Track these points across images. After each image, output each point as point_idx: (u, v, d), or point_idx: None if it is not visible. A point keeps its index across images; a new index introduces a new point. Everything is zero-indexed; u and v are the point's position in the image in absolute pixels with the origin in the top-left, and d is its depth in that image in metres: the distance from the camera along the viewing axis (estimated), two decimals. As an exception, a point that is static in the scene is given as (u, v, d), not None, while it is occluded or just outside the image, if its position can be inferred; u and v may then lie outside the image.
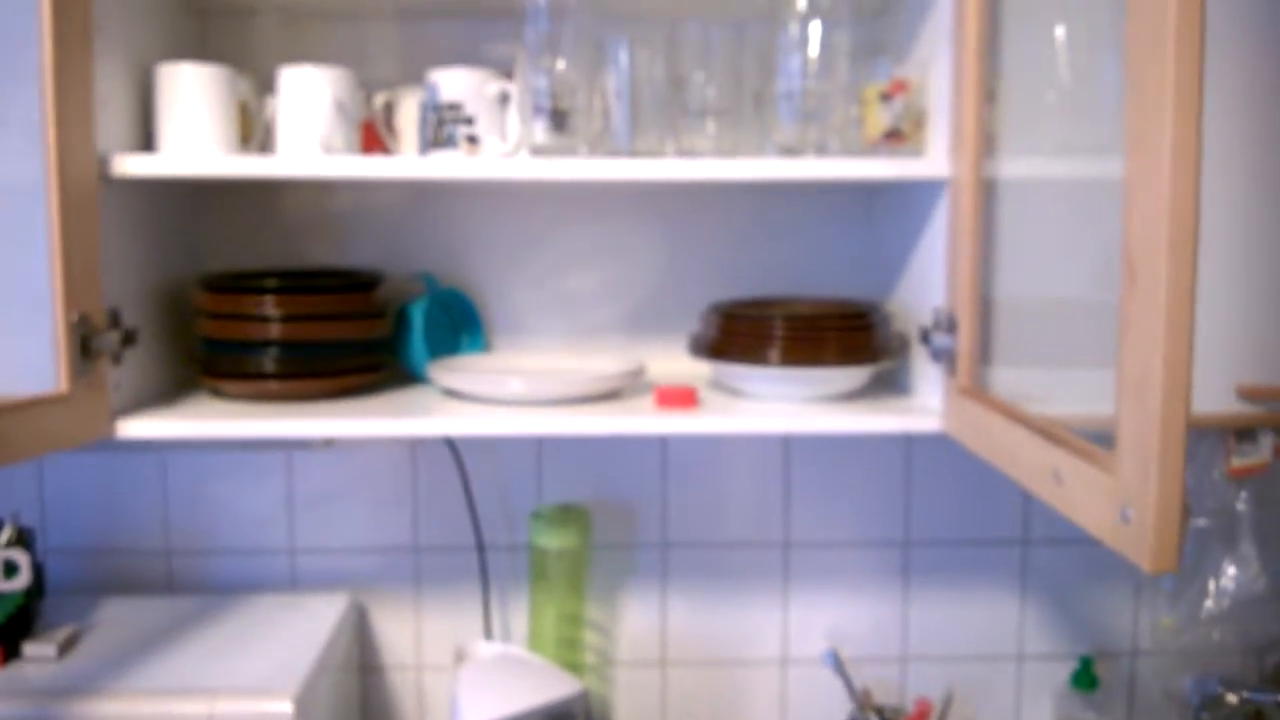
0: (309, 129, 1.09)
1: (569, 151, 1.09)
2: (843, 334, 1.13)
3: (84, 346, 0.97)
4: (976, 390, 1.02)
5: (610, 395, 1.16)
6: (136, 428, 1.03)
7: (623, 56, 1.12)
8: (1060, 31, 0.96)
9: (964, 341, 1.03)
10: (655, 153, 1.14)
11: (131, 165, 1.02)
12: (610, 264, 1.35)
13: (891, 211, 1.29)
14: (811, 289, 1.35)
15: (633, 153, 1.13)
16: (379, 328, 1.17)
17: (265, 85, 1.15)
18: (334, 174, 1.05)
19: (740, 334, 1.14)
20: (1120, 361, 0.72)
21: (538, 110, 1.08)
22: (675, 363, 1.31)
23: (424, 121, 1.14)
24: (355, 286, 1.15)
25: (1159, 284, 0.67)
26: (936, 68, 1.10)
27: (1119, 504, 0.71)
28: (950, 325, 1.05)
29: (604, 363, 1.23)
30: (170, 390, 1.19)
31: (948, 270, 1.07)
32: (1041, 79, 0.98)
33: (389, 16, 1.30)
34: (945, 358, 1.06)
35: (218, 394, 1.15)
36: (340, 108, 1.09)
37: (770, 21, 1.10)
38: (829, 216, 1.36)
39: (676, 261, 1.36)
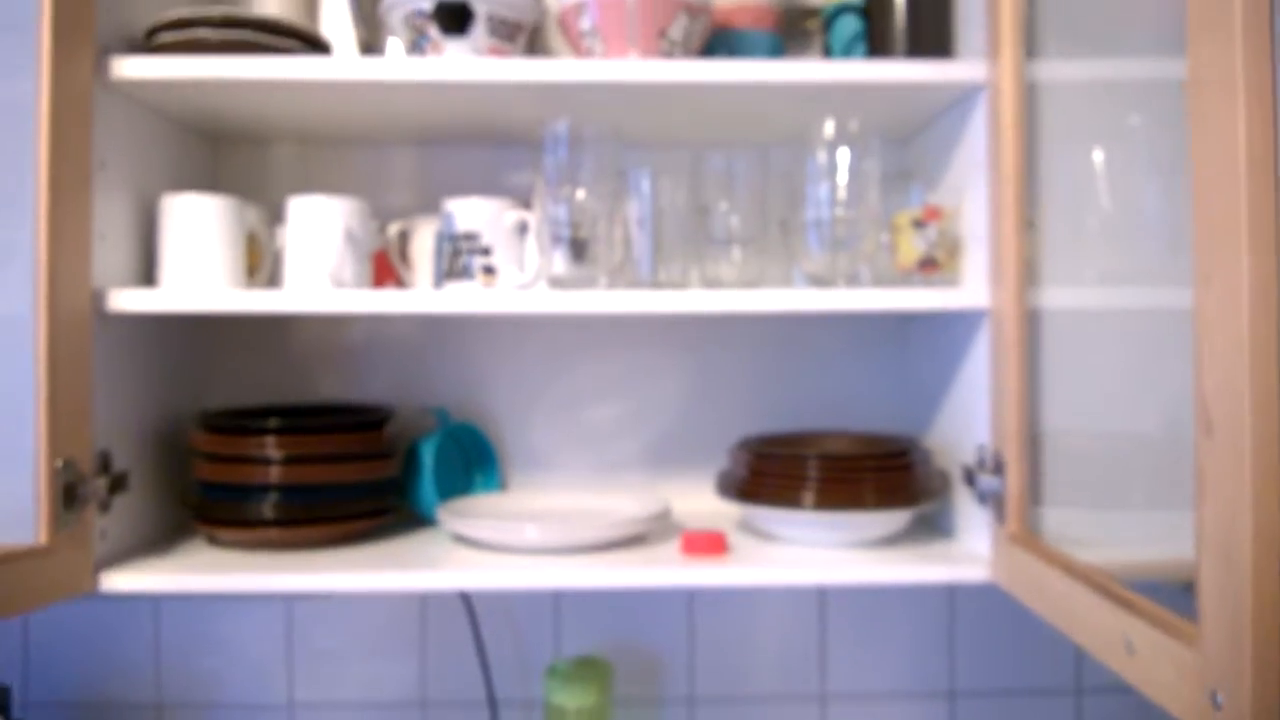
0: (318, 261, 1.04)
1: (589, 282, 1.03)
2: (881, 475, 1.05)
3: (68, 495, 0.91)
4: (1029, 538, 0.94)
5: (634, 541, 1.08)
6: (122, 582, 0.96)
7: (645, 185, 1.07)
8: (1099, 157, 0.92)
9: (1012, 484, 0.96)
10: (679, 283, 1.09)
11: (129, 300, 0.97)
12: (632, 396, 1.29)
13: (926, 340, 1.22)
14: (843, 421, 1.28)
15: (656, 283, 1.08)
16: (387, 468, 1.11)
17: (278, 214, 1.12)
18: (343, 309, 1.00)
19: (771, 475, 1.07)
20: (1199, 521, 0.64)
21: (556, 240, 1.03)
22: (701, 499, 1.23)
23: (439, 251, 1.10)
24: (362, 425, 1.09)
25: (1242, 436, 0.60)
26: (971, 194, 1.06)
27: (1207, 685, 0.63)
28: (997, 466, 0.98)
29: (626, 503, 1.16)
30: (163, 537, 1.12)
31: (991, 406, 1.00)
32: (1082, 205, 0.94)
33: (405, 144, 1.27)
34: (992, 501, 0.99)
35: (214, 541, 1.08)
36: (351, 238, 1.05)
37: (796, 148, 1.06)
38: (860, 345, 1.30)
39: (701, 392, 1.30)
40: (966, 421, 1.08)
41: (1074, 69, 0.96)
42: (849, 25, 1.14)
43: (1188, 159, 0.65)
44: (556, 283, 1.04)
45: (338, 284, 1.04)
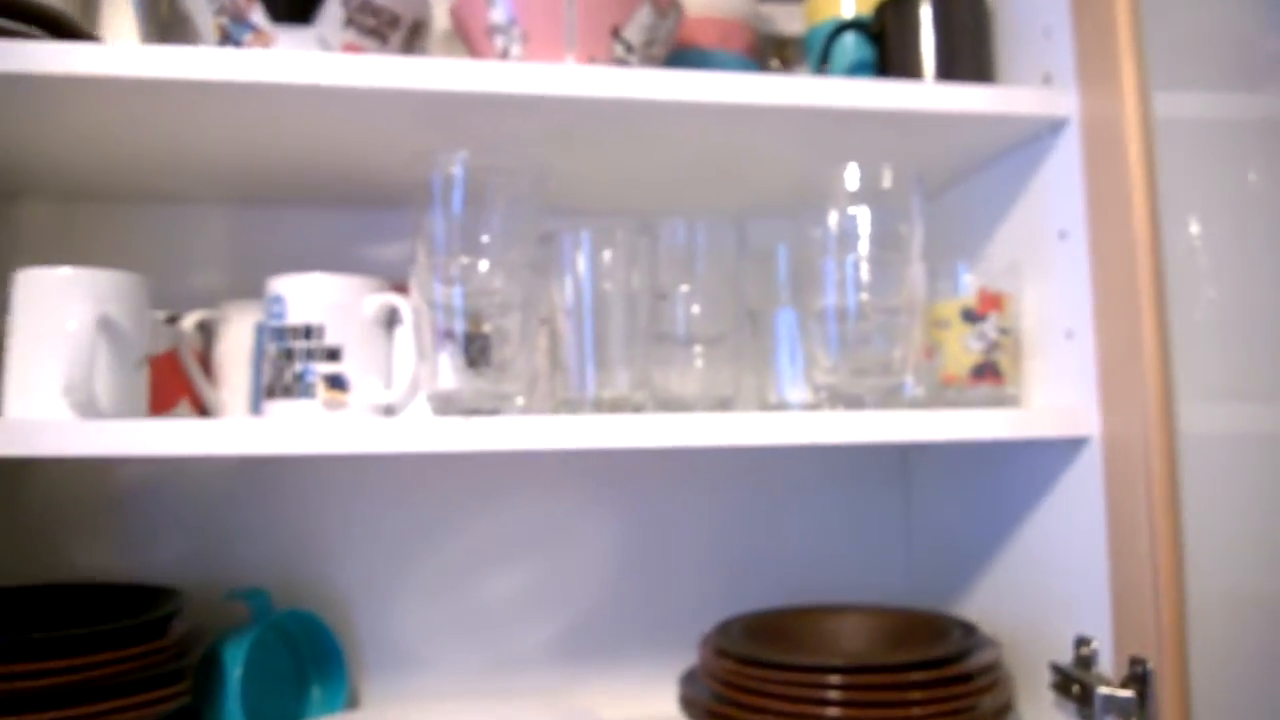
0: (52, 370, 0.63)
1: (497, 401, 0.67)
2: (933, 692, 0.71)
3: None
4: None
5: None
6: None
7: (583, 258, 0.72)
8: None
9: (1169, 708, 0.63)
10: (633, 403, 0.73)
11: None
12: (543, 561, 0.94)
13: (947, 478, 0.92)
14: (831, 584, 0.96)
15: (598, 403, 0.72)
16: (172, 698, 0.69)
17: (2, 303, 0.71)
18: (95, 451, 0.60)
19: (769, 695, 0.71)
20: None
21: (445, 336, 0.67)
22: (641, 706, 0.88)
23: (260, 354, 0.75)
24: (135, 632, 0.68)
25: None
26: (1046, 273, 0.76)
27: None
28: (1137, 676, 0.65)
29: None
30: None
31: (1113, 585, 0.68)
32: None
33: (211, 200, 0.88)
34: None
35: None
36: (112, 333, 0.65)
37: (783, 215, 0.75)
38: (850, 481, 0.99)
39: (637, 551, 0.96)
40: (1050, 600, 0.76)
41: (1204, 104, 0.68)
42: (851, 49, 0.83)
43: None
44: (445, 402, 0.67)
45: (84, 409, 0.63)
